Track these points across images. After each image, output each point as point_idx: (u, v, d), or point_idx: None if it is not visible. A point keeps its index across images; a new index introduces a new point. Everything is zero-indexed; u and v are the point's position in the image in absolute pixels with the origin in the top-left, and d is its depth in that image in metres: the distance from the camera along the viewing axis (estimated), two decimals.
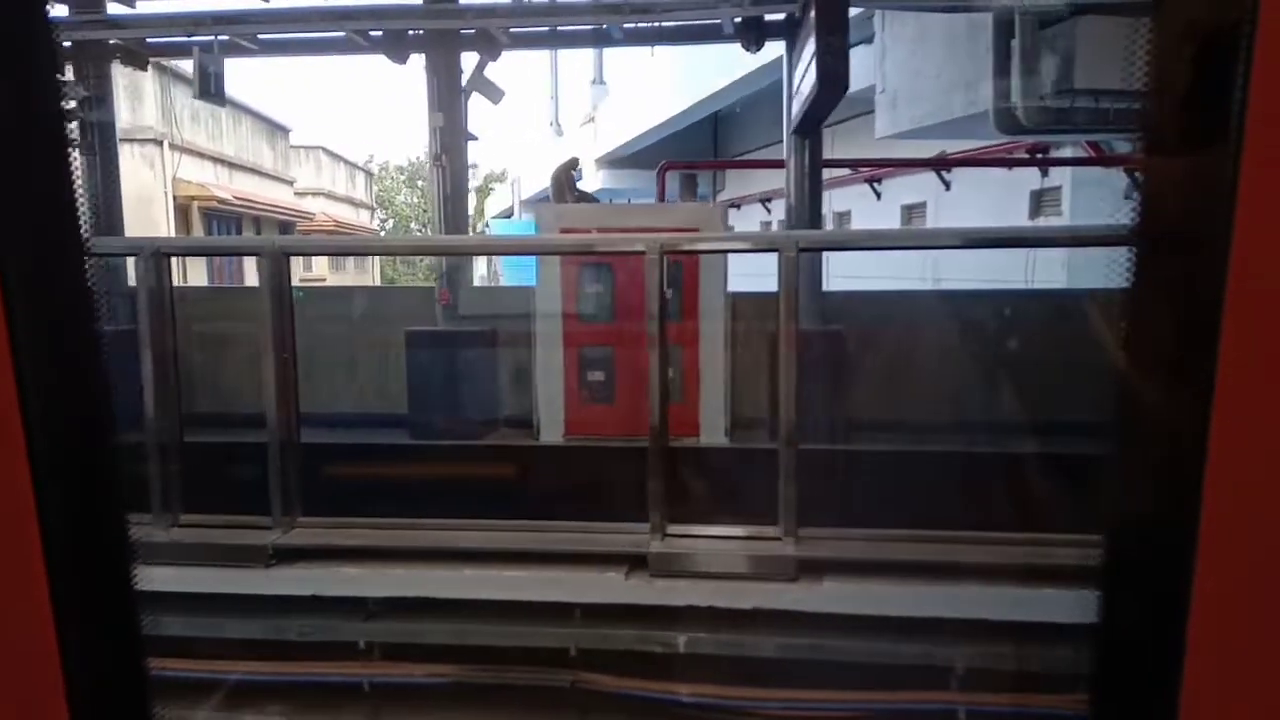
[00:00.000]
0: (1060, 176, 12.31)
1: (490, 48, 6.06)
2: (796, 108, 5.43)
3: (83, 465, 0.81)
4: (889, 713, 3.54)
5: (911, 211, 14.30)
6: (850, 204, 13.46)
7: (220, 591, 3.65)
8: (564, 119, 22.94)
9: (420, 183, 40.63)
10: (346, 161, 27.04)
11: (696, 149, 20.38)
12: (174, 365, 3.87)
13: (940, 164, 10.86)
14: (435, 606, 3.71)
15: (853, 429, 5.42)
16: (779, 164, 6.31)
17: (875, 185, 14.10)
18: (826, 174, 12.27)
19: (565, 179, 6.44)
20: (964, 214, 13.93)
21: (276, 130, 20.17)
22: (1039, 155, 11.74)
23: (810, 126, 5.61)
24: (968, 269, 8.66)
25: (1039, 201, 13.09)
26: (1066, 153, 11.45)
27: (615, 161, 22.42)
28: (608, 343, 6.02)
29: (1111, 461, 0.76)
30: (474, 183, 42.00)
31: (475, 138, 6.42)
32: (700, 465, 4.92)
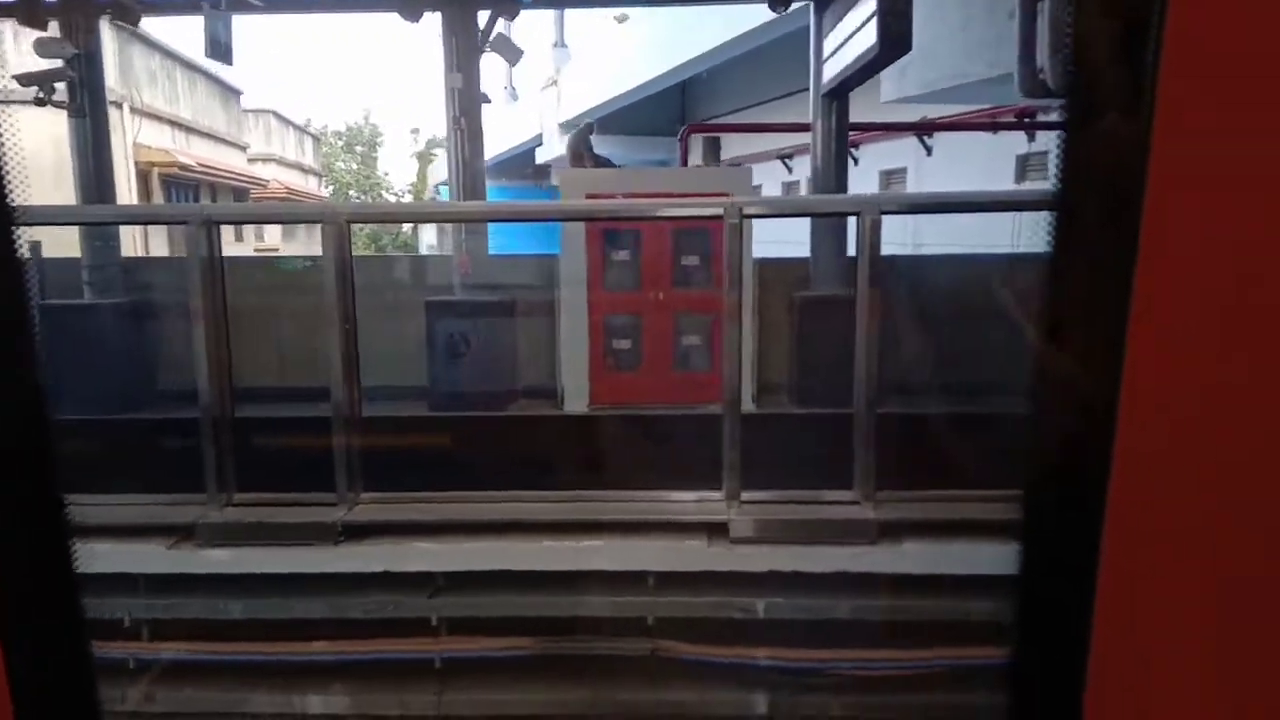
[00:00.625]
0: (1046, 141, 12.49)
1: (509, 7, 5.89)
2: (832, 70, 5.39)
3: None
4: (964, 669, 3.61)
5: (890, 177, 14.39)
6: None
7: (291, 571, 3.57)
8: (519, 82, 22.46)
9: (359, 148, 39.68)
10: (296, 126, 26.25)
11: (667, 115, 20.22)
12: (225, 338, 3.74)
13: (983, 126, 10.95)
14: (511, 579, 3.68)
15: (898, 392, 5.49)
16: (804, 127, 6.26)
17: (853, 151, 14.16)
18: (795, 139, 12.33)
19: (583, 145, 6.32)
20: (945, 181, 14.09)
21: (229, 93, 19.48)
22: (1026, 120, 11.94)
23: (845, 90, 5.58)
24: (945, 234, 8.72)
25: (1024, 166, 13.30)
26: (1054, 117, 11.50)
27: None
28: (634, 311, 5.96)
29: (1030, 419, 0.79)
30: (414, 148, 40.93)
31: (489, 100, 6.25)
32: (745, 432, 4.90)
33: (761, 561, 3.55)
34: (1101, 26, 0.76)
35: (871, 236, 3.42)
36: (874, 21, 4.25)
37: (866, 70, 4.81)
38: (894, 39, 4.16)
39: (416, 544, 3.65)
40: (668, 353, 6.01)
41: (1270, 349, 0.73)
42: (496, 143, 24.04)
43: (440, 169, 34.51)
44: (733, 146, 17.89)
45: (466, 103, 5.99)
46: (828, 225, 5.68)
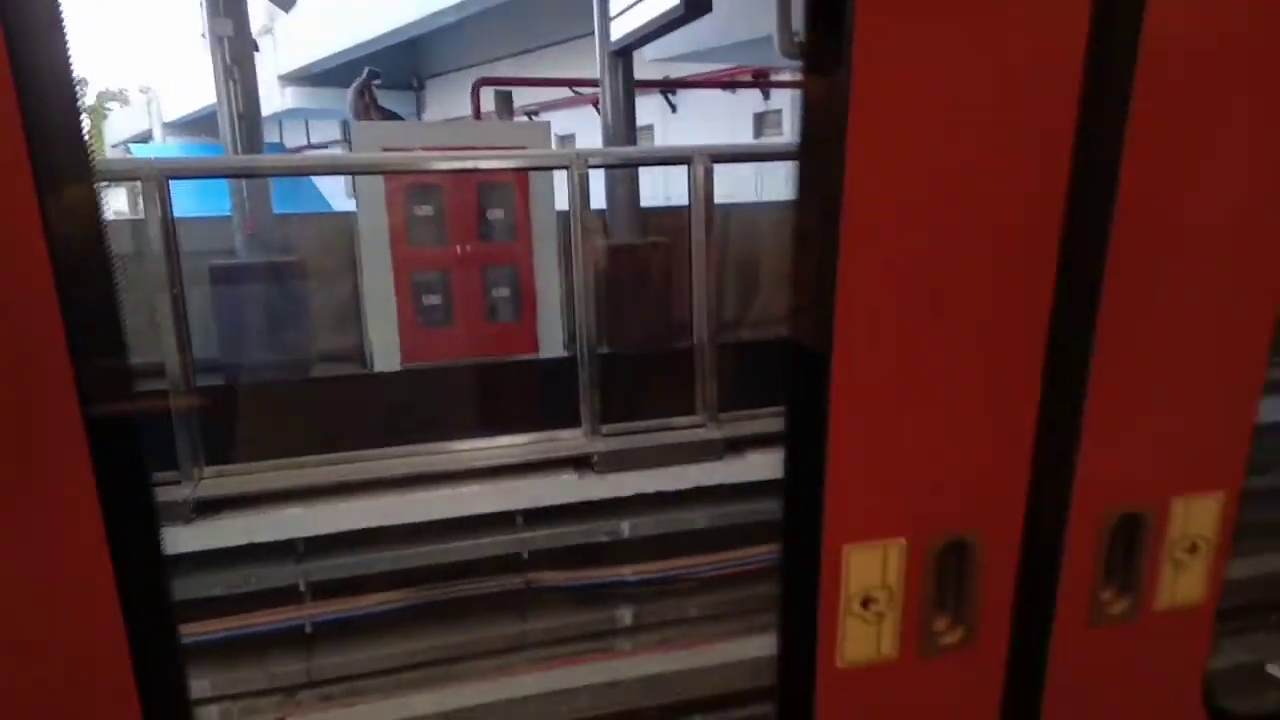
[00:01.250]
0: (780, 100, 13.64)
1: None
2: (623, 29, 5.61)
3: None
4: None
5: (639, 133, 14.99)
6: (574, 126, 13.80)
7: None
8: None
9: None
10: None
11: (403, 67, 19.47)
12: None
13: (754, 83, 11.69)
14: (381, 535, 3.67)
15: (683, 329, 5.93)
16: (593, 82, 6.44)
17: (598, 107, 14.61)
18: (552, 93, 12.53)
19: (368, 96, 6.09)
20: (691, 136, 14.91)
21: None
22: (761, 80, 12.94)
23: (632, 48, 5.82)
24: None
25: (762, 122, 14.40)
26: (785, 77, 12.71)
27: (305, 79, 20.76)
28: (442, 266, 5.92)
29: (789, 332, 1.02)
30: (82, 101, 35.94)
31: (258, 48, 5.82)
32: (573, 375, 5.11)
33: (626, 486, 3.83)
34: None
35: (705, 185, 3.73)
36: None
37: (662, 30, 5.09)
38: (697, 2, 4.47)
39: (280, 511, 3.53)
40: (479, 306, 6.04)
41: (949, 260, 0.93)
42: (194, 98, 21.69)
43: (123, 125, 30.50)
44: (438, 104, 17.54)
45: (238, 51, 5.55)
46: (622, 176, 5.97)
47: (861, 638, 1.03)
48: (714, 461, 3.86)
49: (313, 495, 3.64)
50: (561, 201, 6.19)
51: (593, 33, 6.21)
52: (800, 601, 1.00)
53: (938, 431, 0.98)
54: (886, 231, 0.90)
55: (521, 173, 5.58)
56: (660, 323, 5.91)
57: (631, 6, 5.39)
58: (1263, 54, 0.94)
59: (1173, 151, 0.95)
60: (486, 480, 3.76)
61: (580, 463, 3.87)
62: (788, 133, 13.26)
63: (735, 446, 3.96)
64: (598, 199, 6.41)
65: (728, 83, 12.73)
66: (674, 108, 15.04)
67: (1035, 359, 0.97)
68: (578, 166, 3.55)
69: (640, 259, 5.84)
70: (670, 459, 3.80)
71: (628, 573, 3.99)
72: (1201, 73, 0.93)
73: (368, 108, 6.05)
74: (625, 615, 3.95)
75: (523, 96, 11.76)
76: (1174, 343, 1.01)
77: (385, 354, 5.91)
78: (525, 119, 9.68)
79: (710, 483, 3.86)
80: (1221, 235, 1.00)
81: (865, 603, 1.01)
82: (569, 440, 3.89)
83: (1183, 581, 1.10)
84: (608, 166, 3.91)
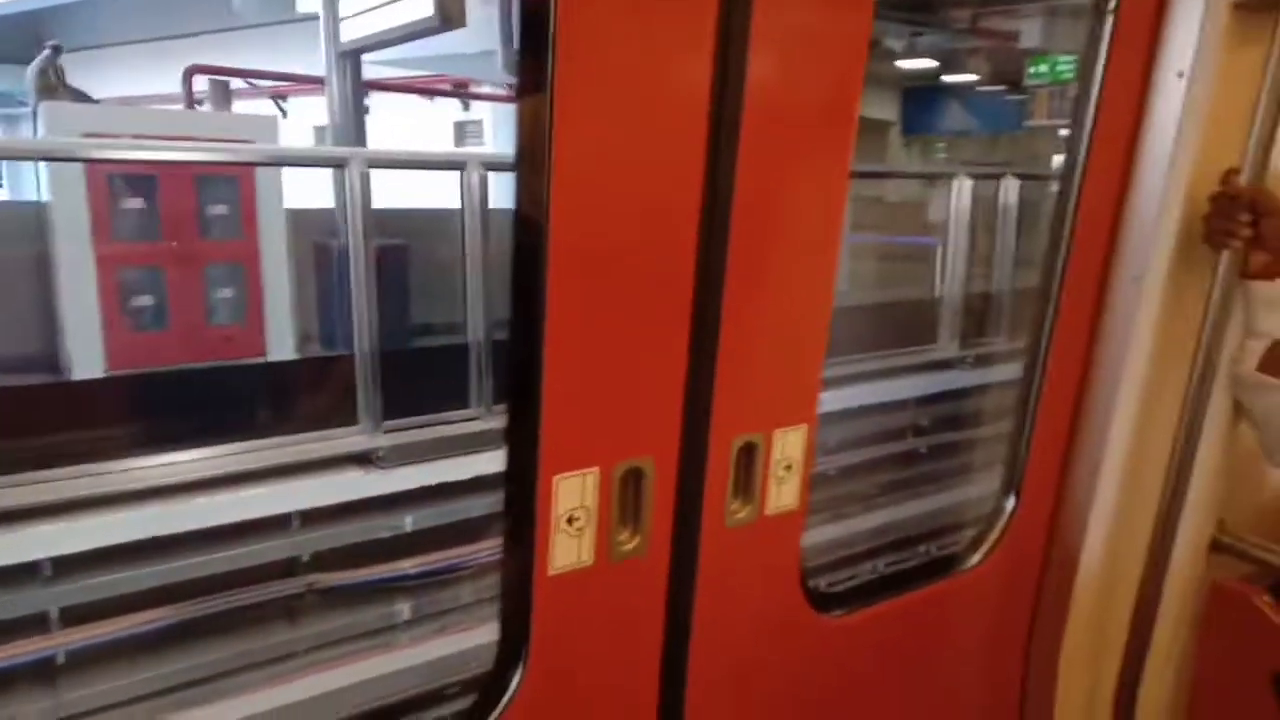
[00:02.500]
0: (480, 111, 13.78)
1: None
2: (358, 31, 5.54)
3: None
4: None
5: (324, 132, 14.33)
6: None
7: None
8: None
9: None
10: None
11: (18, 42, 16.71)
12: None
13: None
14: (142, 549, 3.40)
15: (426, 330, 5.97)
16: (315, 80, 6.22)
17: (280, 102, 13.72)
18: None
19: (54, 74, 5.36)
20: (385, 140, 14.47)
21: None
22: (462, 90, 13.00)
23: (364, 50, 5.76)
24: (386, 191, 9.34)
25: (463, 131, 14.41)
26: (486, 89, 12.89)
27: None
28: (155, 264, 5.41)
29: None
30: None
31: None
32: (320, 376, 4.97)
33: (409, 480, 3.89)
34: (527, 19, 1.11)
35: (481, 191, 3.93)
36: None
37: (407, 38, 5.14)
38: (450, 15, 4.61)
39: (26, 530, 3.15)
40: (198, 307, 5.60)
41: (623, 252, 1.24)
42: None
43: None
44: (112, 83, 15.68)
45: None
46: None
47: (567, 550, 1.30)
48: (493, 451, 4.06)
49: (60, 511, 3.29)
50: (290, 200, 5.93)
51: (287, 21, 6.02)
52: (520, 524, 1.28)
53: (619, 386, 1.29)
54: (580, 229, 1.19)
55: (269, 167, 5.29)
56: (398, 323, 5.90)
57: (370, 10, 5.37)
58: (823, 109, 1.38)
59: (770, 170, 1.33)
60: (255, 484, 3.63)
61: (362, 460, 3.88)
62: (488, 142, 13.56)
63: None
64: (326, 200, 6.23)
65: (428, 90, 12.69)
66: (367, 109, 14.54)
67: (683, 329, 1.32)
68: (357, 165, 3.58)
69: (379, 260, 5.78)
70: (452, 450, 3.93)
71: (408, 566, 4.05)
72: (786, 117, 1.33)
73: (54, 88, 5.34)
74: (404, 609, 4.01)
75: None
76: (772, 319, 1.43)
77: (86, 360, 5.26)
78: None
79: (491, 471, 4.04)
80: (796, 234, 1.42)
81: (570, 521, 1.29)
82: (346, 439, 3.88)
83: (783, 492, 1.51)
84: (389, 166, 3.92)
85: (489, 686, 1.35)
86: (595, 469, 1.29)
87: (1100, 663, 1.97)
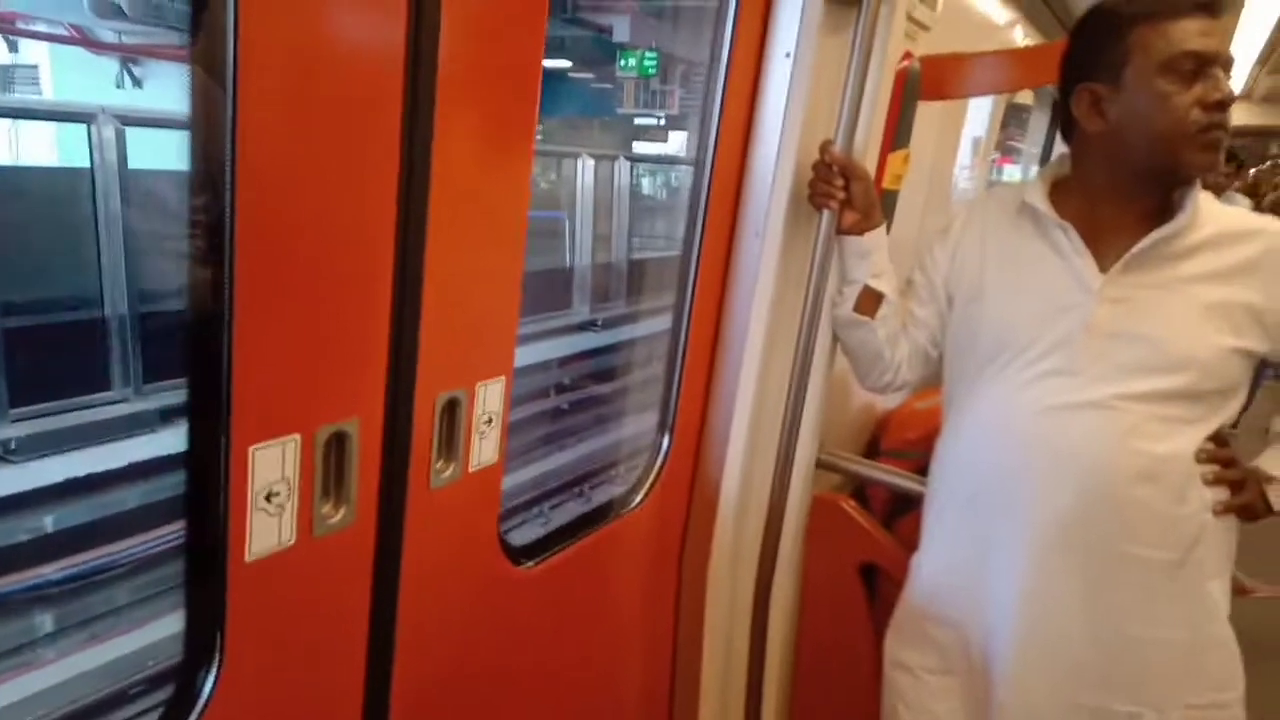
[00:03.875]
0: (36, 54, 11.25)
1: None
2: None
3: None
4: None
5: None
6: None
7: None
8: None
9: None
10: None
11: None
12: None
13: None
14: None
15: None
16: None
17: None
18: None
19: None
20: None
21: None
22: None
23: None
24: None
25: (10, 77, 11.66)
26: (41, 28, 10.54)
27: None
28: None
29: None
30: None
31: None
32: None
33: (46, 475, 3.22)
34: None
35: (119, 148, 3.34)
36: None
37: None
38: None
39: None
40: None
41: (323, 222, 1.12)
42: None
43: None
44: None
45: None
46: None
47: (266, 531, 1.14)
48: (148, 434, 3.50)
49: None
50: None
51: None
52: (207, 507, 1.10)
53: (319, 345, 1.17)
54: (270, 188, 1.06)
55: None
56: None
57: None
58: (512, 73, 1.36)
59: (466, 129, 1.28)
60: None
61: None
62: (48, 92, 11.20)
63: (170, 417, 3.65)
64: None
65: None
66: None
67: (385, 285, 1.23)
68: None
69: None
70: (97, 436, 3.29)
71: (50, 571, 3.38)
72: (480, 74, 1.29)
73: None
74: (45, 621, 3.30)
75: None
76: (471, 272, 1.37)
77: None
78: None
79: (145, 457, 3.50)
80: (492, 191, 1.37)
81: (269, 497, 1.13)
82: None
83: (484, 447, 1.47)
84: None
85: (176, 696, 1.13)
86: (296, 435, 1.14)
87: (737, 574, 2.19)
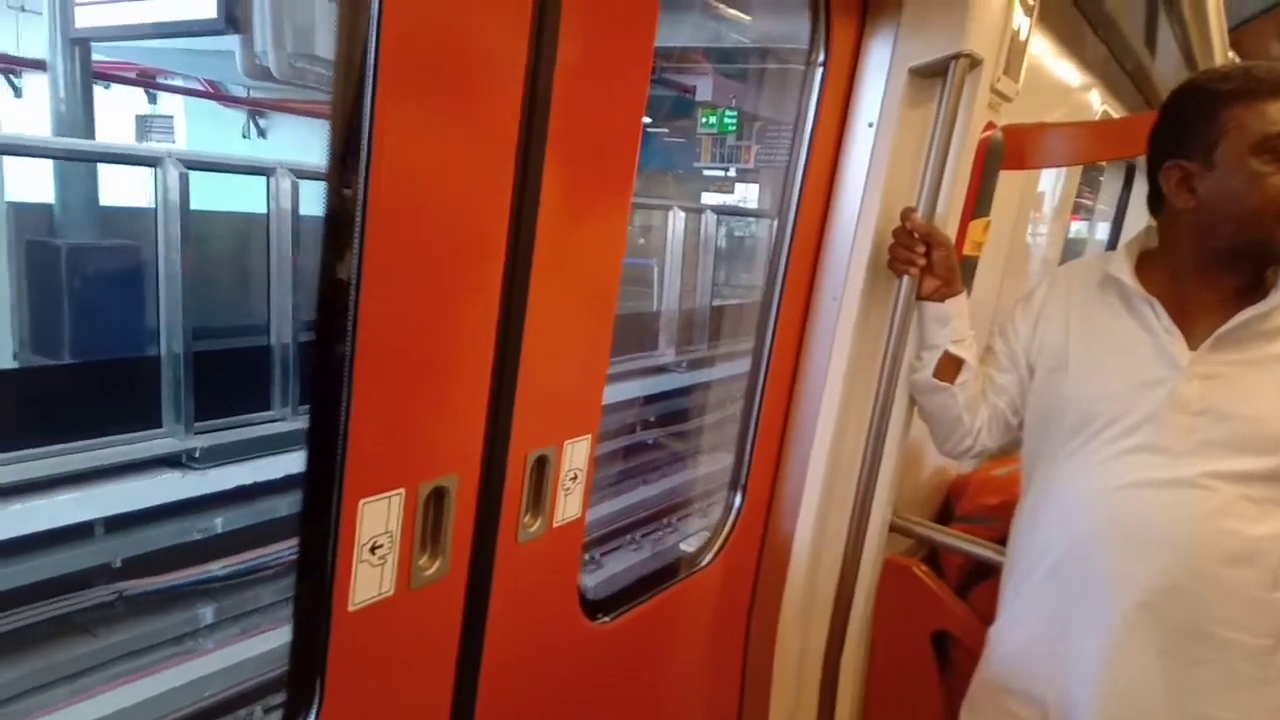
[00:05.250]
0: (172, 105, 12.13)
1: None
2: (96, 18, 4.81)
3: None
4: None
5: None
6: None
7: None
8: None
9: None
10: None
11: None
12: None
13: None
14: None
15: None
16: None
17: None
18: None
19: None
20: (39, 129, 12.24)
21: None
22: (147, 79, 11.32)
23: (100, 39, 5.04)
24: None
25: (147, 126, 12.57)
26: (178, 82, 11.35)
27: None
28: None
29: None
30: None
31: None
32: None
33: (225, 480, 3.50)
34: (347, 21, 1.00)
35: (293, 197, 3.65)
36: None
37: (173, 33, 4.58)
38: (236, 18, 4.15)
39: None
40: None
41: (431, 273, 1.13)
42: None
43: None
44: None
45: None
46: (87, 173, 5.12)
47: (369, 582, 1.16)
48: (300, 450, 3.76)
49: None
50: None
51: None
52: (318, 555, 1.13)
53: (426, 401, 1.19)
54: (396, 239, 1.09)
55: None
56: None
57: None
58: (614, 132, 1.35)
59: (570, 187, 1.28)
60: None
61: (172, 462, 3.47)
62: (180, 141, 12.00)
63: None
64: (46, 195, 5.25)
65: (108, 75, 11.00)
66: (18, 91, 12.27)
67: (489, 343, 1.24)
68: (173, 165, 3.24)
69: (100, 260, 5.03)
70: (261, 450, 3.59)
71: (216, 568, 3.66)
72: (585, 136, 1.30)
73: None
74: (207, 613, 3.59)
75: None
76: (567, 332, 1.39)
77: None
78: None
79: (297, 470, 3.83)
80: (589, 249, 1.38)
81: (373, 549, 1.15)
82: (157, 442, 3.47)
83: (569, 502, 1.48)
84: (204, 168, 3.53)
85: None
86: (402, 490, 1.16)
87: (807, 634, 2.15)
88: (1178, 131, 1.55)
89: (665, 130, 16.96)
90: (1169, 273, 1.57)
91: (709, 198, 17.47)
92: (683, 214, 6.50)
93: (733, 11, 10.16)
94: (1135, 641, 1.52)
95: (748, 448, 2.06)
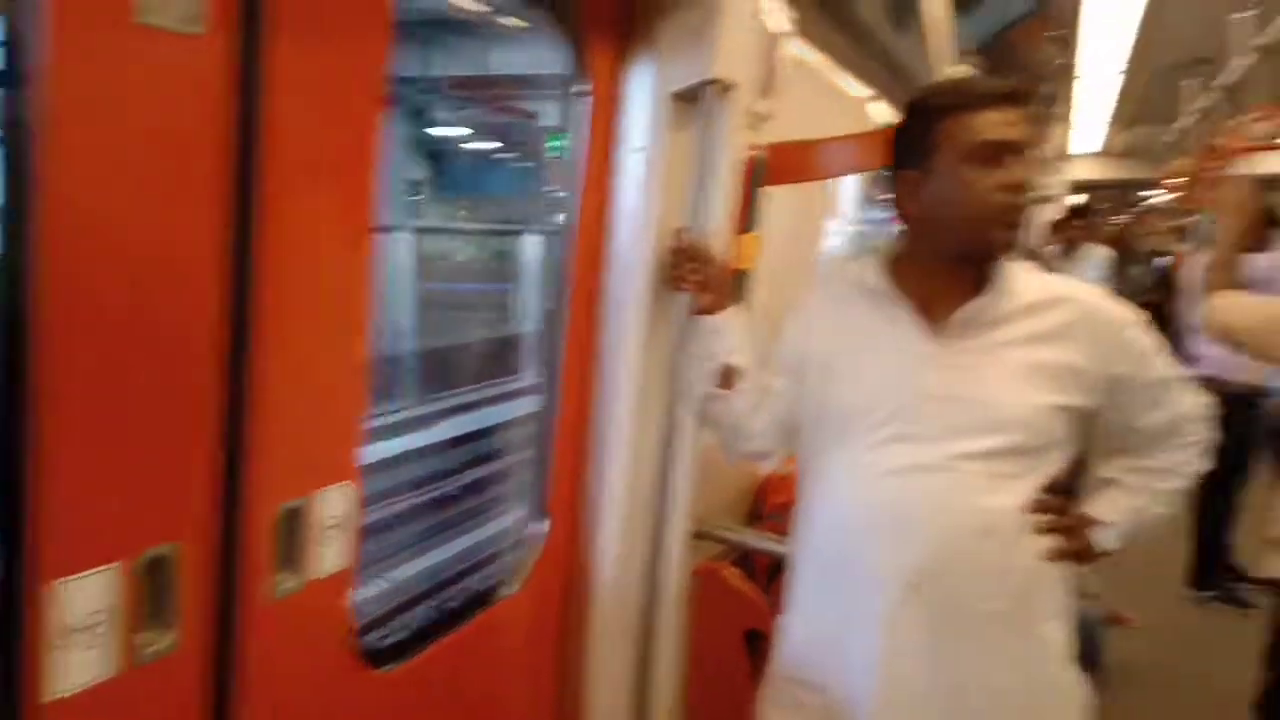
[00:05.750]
0: None
1: None
2: None
3: None
4: None
5: None
6: None
7: None
8: None
9: None
10: None
11: None
12: None
13: None
14: None
15: None
16: None
17: None
18: None
19: None
20: None
21: None
22: None
23: None
24: None
25: None
26: None
27: None
28: None
29: None
30: None
31: None
32: None
33: None
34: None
35: None
36: None
37: None
38: None
39: None
40: None
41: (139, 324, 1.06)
42: None
43: None
44: None
45: None
46: None
47: (80, 666, 1.05)
48: None
49: None
50: None
51: None
52: (4, 645, 1.01)
53: (132, 466, 1.09)
54: (80, 293, 1.00)
55: None
56: None
57: None
58: (345, 162, 1.33)
59: (294, 223, 1.23)
60: None
61: None
62: None
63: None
64: None
65: None
66: None
67: (211, 403, 1.17)
68: None
69: None
70: None
71: None
72: (308, 168, 1.25)
73: None
74: None
75: None
76: (307, 379, 1.32)
77: None
78: None
79: None
80: (325, 291, 1.32)
81: (82, 630, 1.04)
82: None
83: (329, 553, 1.40)
84: None
85: None
86: (117, 563, 1.06)
87: (617, 650, 2.15)
88: (903, 144, 1.68)
89: (515, 155, 16.84)
90: (916, 273, 1.70)
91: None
92: (538, 239, 6.58)
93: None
94: (906, 623, 1.61)
95: (550, 471, 2.04)
